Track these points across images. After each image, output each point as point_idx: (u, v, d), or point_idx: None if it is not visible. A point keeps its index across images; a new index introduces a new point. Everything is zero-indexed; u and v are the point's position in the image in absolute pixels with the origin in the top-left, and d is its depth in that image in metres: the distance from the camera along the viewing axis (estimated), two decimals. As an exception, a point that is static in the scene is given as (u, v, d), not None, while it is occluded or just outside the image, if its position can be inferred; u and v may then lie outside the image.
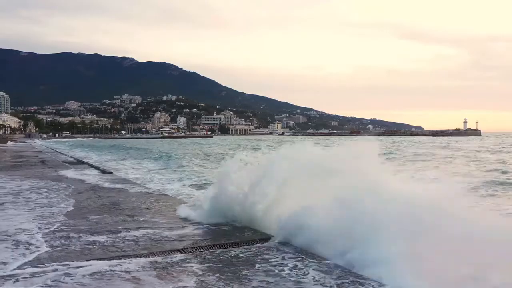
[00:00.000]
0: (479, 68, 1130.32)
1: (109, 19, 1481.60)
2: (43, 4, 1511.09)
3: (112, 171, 19.66)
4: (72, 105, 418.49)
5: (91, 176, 16.31)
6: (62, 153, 37.84)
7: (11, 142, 75.52)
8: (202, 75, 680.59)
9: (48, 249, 5.76)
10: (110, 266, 4.97)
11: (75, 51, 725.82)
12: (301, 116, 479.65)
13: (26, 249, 5.77)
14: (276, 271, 4.88)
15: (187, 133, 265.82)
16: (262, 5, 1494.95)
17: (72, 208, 9.10)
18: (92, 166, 22.32)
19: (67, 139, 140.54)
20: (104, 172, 18.69)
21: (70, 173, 17.63)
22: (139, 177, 19.50)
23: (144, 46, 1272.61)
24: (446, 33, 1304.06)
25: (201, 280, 4.56)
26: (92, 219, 7.97)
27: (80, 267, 4.94)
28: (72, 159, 28.42)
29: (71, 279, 4.54)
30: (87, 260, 5.21)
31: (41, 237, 6.40)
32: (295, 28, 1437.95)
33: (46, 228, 7.04)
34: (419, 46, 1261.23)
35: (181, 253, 5.68)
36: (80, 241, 6.23)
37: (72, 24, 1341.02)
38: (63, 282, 4.46)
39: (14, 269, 4.89)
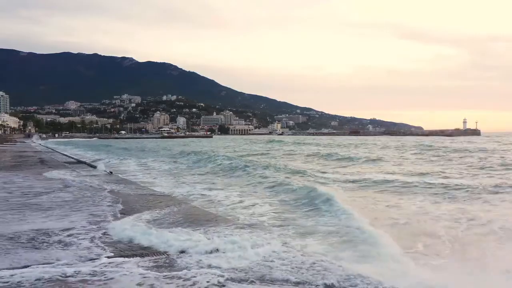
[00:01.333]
0: (479, 68, 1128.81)
1: (109, 19, 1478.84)
2: (43, 4, 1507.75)
3: (112, 171, 19.63)
4: (72, 105, 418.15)
5: (90, 177, 16.25)
6: (61, 153, 37.76)
7: (10, 143, 75.11)
8: (201, 75, 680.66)
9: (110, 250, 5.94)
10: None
11: (74, 51, 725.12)
12: (300, 116, 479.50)
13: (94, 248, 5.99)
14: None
15: (187, 133, 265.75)
16: (262, 5, 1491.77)
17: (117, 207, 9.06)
18: (91, 166, 22.27)
19: (66, 139, 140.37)
20: (104, 172, 18.66)
21: (69, 173, 17.57)
22: (139, 177, 19.46)
23: (143, 46, 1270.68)
24: (446, 33, 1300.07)
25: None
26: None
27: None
28: (71, 159, 28.37)
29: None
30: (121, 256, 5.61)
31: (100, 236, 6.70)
32: (295, 28, 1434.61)
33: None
34: (419, 46, 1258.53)
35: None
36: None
37: (72, 24, 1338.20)
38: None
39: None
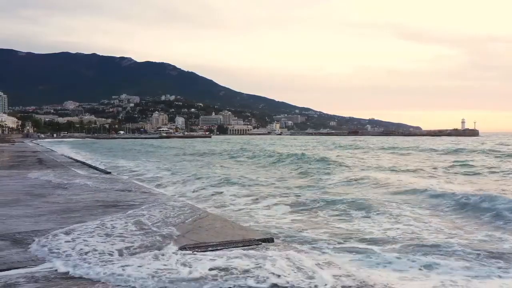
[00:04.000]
0: (479, 68, 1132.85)
1: (108, 19, 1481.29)
2: (43, 4, 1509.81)
3: (110, 171, 19.62)
4: (70, 105, 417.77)
5: (88, 176, 16.22)
6: (59, 153, 37.72)
7: (8, 143, 74.89)
8: (200, 75, 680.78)
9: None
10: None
11: (73, 51, 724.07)
12: (299, 116, 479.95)
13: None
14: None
15: (186, 133, 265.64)
16: (262, 5, 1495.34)
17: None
18: (90, 166, 22.24)
19: (65, 139, 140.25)
20: (103, 172, 18.64)
21: (69, 173, 17.55)
22: (141, 177, 19.44)
23: (142, 46, 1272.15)
24: (446, 33, 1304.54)
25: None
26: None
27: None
28: (70, 160, 28.35)
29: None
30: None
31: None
32: (295, 28, 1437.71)
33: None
34: (419, 46, 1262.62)
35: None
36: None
37: (71, 24, 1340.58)
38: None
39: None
